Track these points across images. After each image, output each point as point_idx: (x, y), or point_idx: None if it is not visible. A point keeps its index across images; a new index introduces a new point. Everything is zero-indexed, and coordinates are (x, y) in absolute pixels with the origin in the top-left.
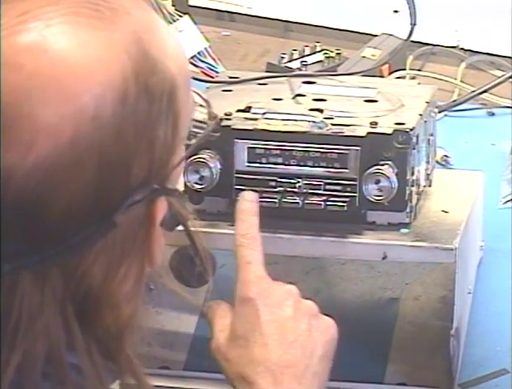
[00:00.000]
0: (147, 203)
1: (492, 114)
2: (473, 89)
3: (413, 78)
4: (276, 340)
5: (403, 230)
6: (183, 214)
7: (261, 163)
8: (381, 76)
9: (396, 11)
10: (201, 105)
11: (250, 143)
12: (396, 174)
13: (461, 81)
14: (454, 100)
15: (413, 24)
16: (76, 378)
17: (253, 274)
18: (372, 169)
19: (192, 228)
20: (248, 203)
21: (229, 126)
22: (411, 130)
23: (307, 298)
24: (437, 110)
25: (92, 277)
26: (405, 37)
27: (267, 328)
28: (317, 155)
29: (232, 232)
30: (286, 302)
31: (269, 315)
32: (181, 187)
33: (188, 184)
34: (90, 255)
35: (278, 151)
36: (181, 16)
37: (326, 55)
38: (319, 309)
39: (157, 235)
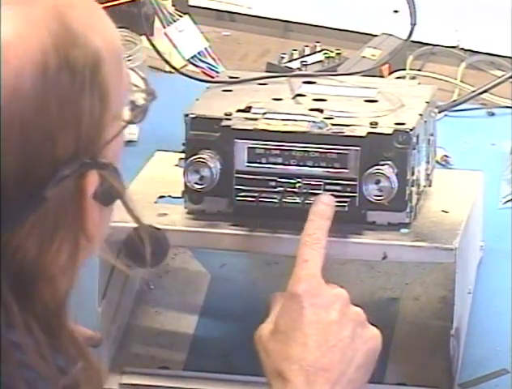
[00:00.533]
0: (77, 177)
1: (492, 114)
2: (473, 89)
3: (413, 78)
4: (316, 342)
5: (403, 230)
6: (117, 188)
7: (261, 163)
8: (381, 76)
9: (396, 11)
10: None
11: (250, 143)
12: (396, 174)
13: (461, 81)
14: (454, 100)
15: (413, 24)
16: (20, 358)
17: (306, 271)
18: (372, 169)
19: (129, 203)
20: (323, 205)
21: (229, 126)
22: (412, 130)
23: (356, 305)
24: (437, 110)
25: (26, 251)
26: (405, 37)
27: (309, 328)
28: (317, 155)
29: (232, 232)
30: (333, 306)
31: (313, 316)
32: (117, 164)
33: (188, 184)
34: (22, 230)
35: (278, 151)
36: (181, 16)
37: (326, 55)
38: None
39: (90, 209)
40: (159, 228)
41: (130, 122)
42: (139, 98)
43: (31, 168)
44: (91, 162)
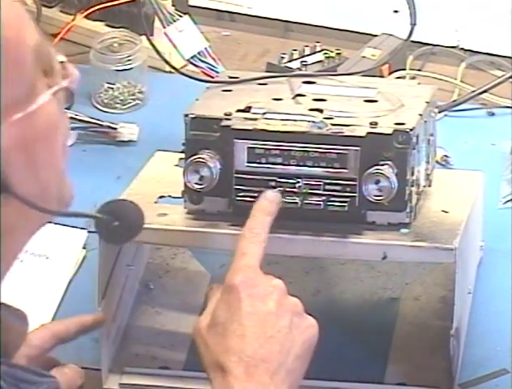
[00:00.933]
0: None
1: (492, 114)
2: (473, 89)
3: (413, 78)
4: (254, 333)
5: (403, 230)
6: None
7: (260, 163)
8: (381, 76)
9: (396, 11)
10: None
11: (250, 143)
12: (396, 174)
13: (461, 81)
14: (454, 100)
15: (413, 24)
16: None
17: (243, 263)
18: (372, 169)
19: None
20: (266, 201)
21: (229, 126)
22: (411, 130)
23: (292, 295)
24: (437, 110)
25: None
26: (405, 37)
27: (247, 320)
28: (317, 155)
29: (232, 232)
30: (270, 296)
31: (250, 307)
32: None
33: (188, 184)
34: None
35: (277, 151)
36: (181, 16)
37: (326, 55)
38: (304, 307)
39: None
40: (131, 205)
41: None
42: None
43: None
44: None
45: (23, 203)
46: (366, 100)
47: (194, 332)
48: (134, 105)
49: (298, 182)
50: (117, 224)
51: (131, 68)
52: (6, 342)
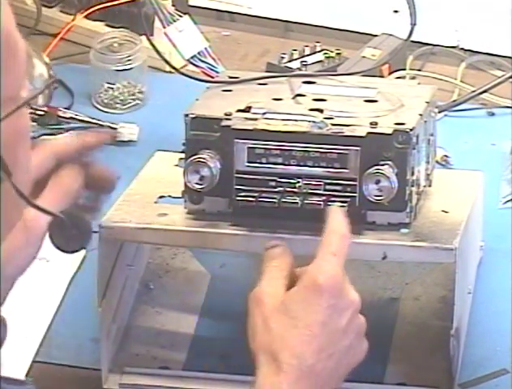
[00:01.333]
0: None
1: (492, 114)
2: (473, 89)
3: (413, 78)
4: (320, 346)
5: (403, 230)
6: (3, 169)
7: (261, 163)
8: (381, 76)
9: (396, 11)
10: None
11: (250, 143)
12: (396, 174)
13: (461, 81)
14: (454, 100)
15: (413, 24)
16: None
17: (333, 264)
18: (372, 169)
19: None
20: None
21: (229, 126)
22: (411, 130)
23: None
24: (437, 110)
25: None
26: (405, 37)
27: (319, 329)
28: (317, 155)
29: (232, 232)
30: (346, 311)
31: (328, 318)
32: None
33: (188, 184)
34: None
35: (278, 151)
36: (181, 16)
37: (326, 55)
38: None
39: None
40: (78, 214)
41: (22, 106)
42: (40, 83)
43: None
44: None
45: (18, 193)
46: (366, 100)
47: (253, 300)
48: (134, 105)
49: (298, 182)
50: (74, 233)
51: (131, 68)
52: None
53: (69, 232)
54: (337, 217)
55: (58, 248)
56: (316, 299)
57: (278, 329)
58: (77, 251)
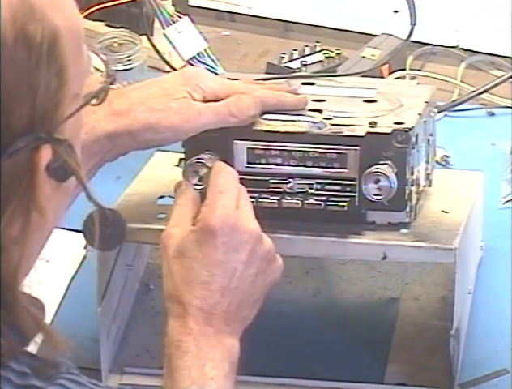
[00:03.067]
0: (31, 150)
1: (492, 114)
2: (473, 89)
3: (413, 78)
4: (220, 283)
5: (403, 230)
6: (71, 165)
7: (260, 163)
8: (381, 76)
9: (396, 11)
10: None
11: (250, 144)
12: (396, 174)
13: (461, 81)
14: (454, 101)
15: (413, 24)
16: None
17: (222, 203)
18: (371, 169)
19: (84, 180)
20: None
21: (229, 127)
22: (411, 129)
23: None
24: (436, 110)
25: None
26: (405, 37)
27: (216, 268)
28: (317, 155)
29: None
30: (245, 245)
31: (223, 255)
32: (75, 143)
33: None
34: None
35: (277, 152)
36: (180, 17)
37: (326, 55)
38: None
39: (42, 183)
40: (116, 211)
41: (89, 102)
42: (100, 80)
43: None
44: (45, 136)
45: (82, 186)
46: (365, 101)
47: (160, 244)
48: None
49: (298, 183)
50: (110, 230)
51: (131, 68)
52: (23, 328)
53: (108, 229)
54: (219, 162)
55: (94, 245)
56: (209, 239)
57: (178, 273)
58: (113, 249)
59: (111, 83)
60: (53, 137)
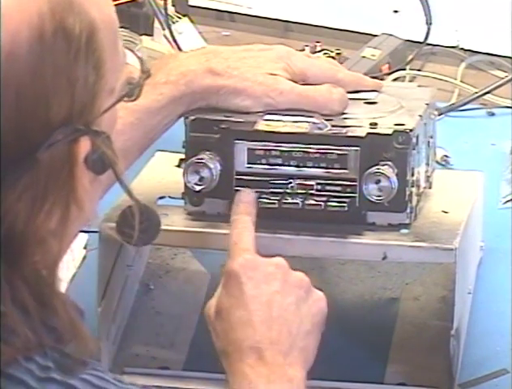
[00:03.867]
0: (69, 142)
1: (492, 114)
2: (474, 90)
3: (413, 78)
4: (260, 316)
5: (403, 231)
6: (110, 157)
7: (261, 164)
8: (382, 79)
9: (396, 11)
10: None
11: (250, 145)
12: (396, 174)
13: (461, 81)
14: (453, 103)
15: (429, 24)
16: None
17: (238, 248)
18: (372, 169)
19: (121, 173)
20: (242, 204)
21: (229, 128)
22: (411, 130)
23: (296, 270)
24: (436, 112)
25: (16, 213)
26: (405, 37)
27: (251, 304)
28: (317, 155)
29: None
30: (273, 275)
31: (254, 290)
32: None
33: (188, 185)
34: (14, 192)
35: (278, 152)
36: (180, 18)
37: (326, 55)
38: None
39: (81, 175)
40: (149, 206)
41: (124, 97)
42: (135, 76)
43: (24, 131)
44: (84, 128)
45: (119, 180)
46: (366, 102)
47: (205, 318)
48: None
49: (298, 183)
50: (145, 225)
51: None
52: (58, 325)
53: (143, 224)
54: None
55: (130, 241)
56: (235, 283)
57: (220, 329)
58: (148, 244)
59: (146, 79)
60: (92, 129)
